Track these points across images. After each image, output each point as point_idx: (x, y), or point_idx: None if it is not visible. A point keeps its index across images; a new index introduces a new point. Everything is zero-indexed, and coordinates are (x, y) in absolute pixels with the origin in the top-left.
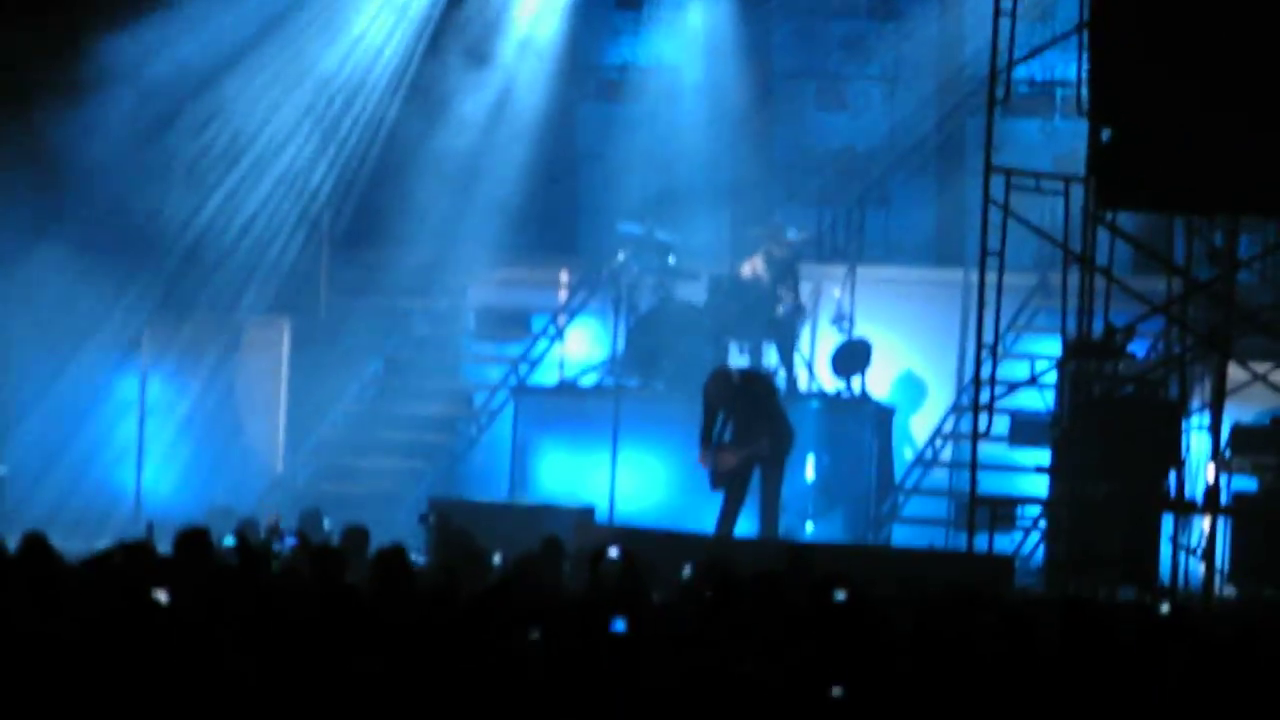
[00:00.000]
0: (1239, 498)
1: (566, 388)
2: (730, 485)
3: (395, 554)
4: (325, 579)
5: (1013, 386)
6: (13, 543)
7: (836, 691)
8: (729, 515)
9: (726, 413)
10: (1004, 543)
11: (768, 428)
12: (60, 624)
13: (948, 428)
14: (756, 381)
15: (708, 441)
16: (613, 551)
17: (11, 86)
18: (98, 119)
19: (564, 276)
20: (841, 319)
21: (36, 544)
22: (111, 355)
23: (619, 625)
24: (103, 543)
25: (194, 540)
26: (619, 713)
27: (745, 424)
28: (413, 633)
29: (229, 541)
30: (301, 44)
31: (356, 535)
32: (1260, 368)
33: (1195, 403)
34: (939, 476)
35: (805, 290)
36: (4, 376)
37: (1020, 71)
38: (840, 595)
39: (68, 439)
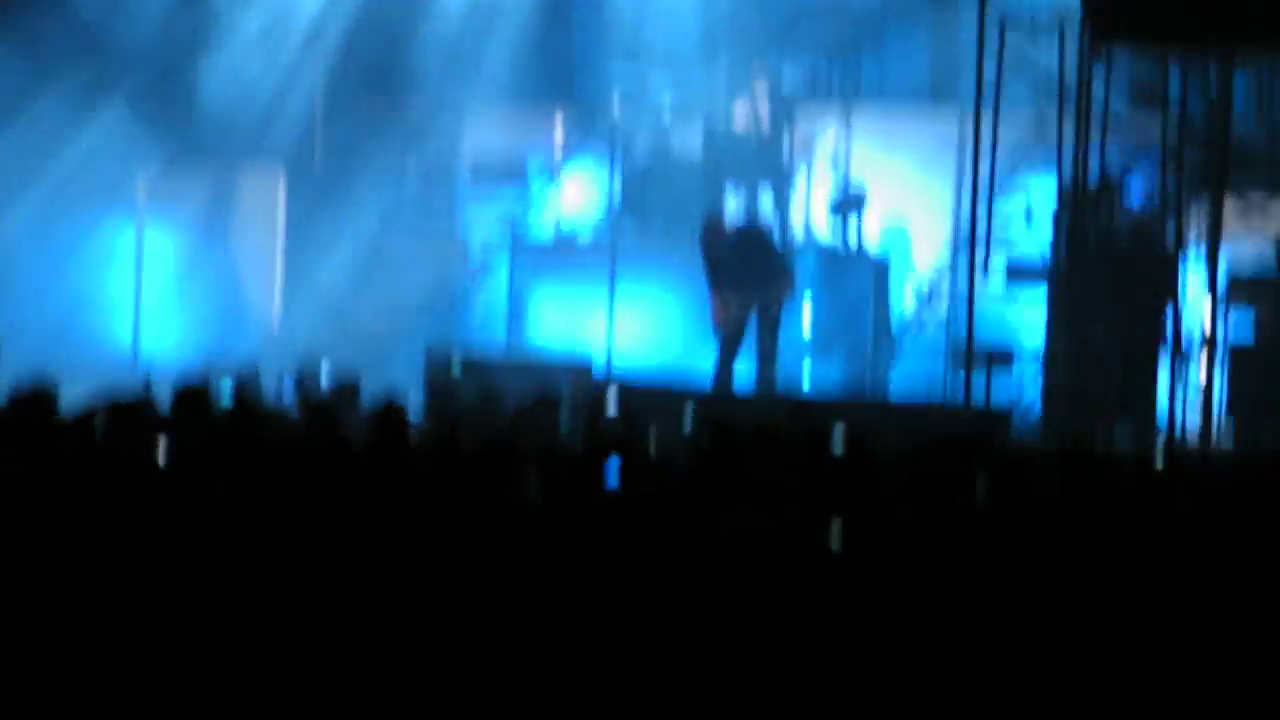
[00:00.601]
0: (1236, 343)
1: (563, 239)
2: (726, 334)
3: (391, 410)
4: (320, 433)
5: (1009, 228)
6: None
7: (834, 544)
8: (725, 365)
9: (723, 263)
10: (1001, 392)
11: (766, 276)
12: (58, 480)
13: (945, 273)
14: (751, 230)
15: (718, 292)
16: (611, 405)
17: None
18: None
19: (559, 123)
20: (837, 163)
21: (36, 397)
22: (108, 204)
23: (613, 478)
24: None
25: (193, 397)
26: (616, 568)
27: (743, 273)
28: (408, 488)
29: (226, 392)
30: None
31: (347, 390)
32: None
33: (1192, 243)
34: (936, 324)
35: (800, 135)
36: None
37: None
38: (838, 448)
39: (63, 289)
